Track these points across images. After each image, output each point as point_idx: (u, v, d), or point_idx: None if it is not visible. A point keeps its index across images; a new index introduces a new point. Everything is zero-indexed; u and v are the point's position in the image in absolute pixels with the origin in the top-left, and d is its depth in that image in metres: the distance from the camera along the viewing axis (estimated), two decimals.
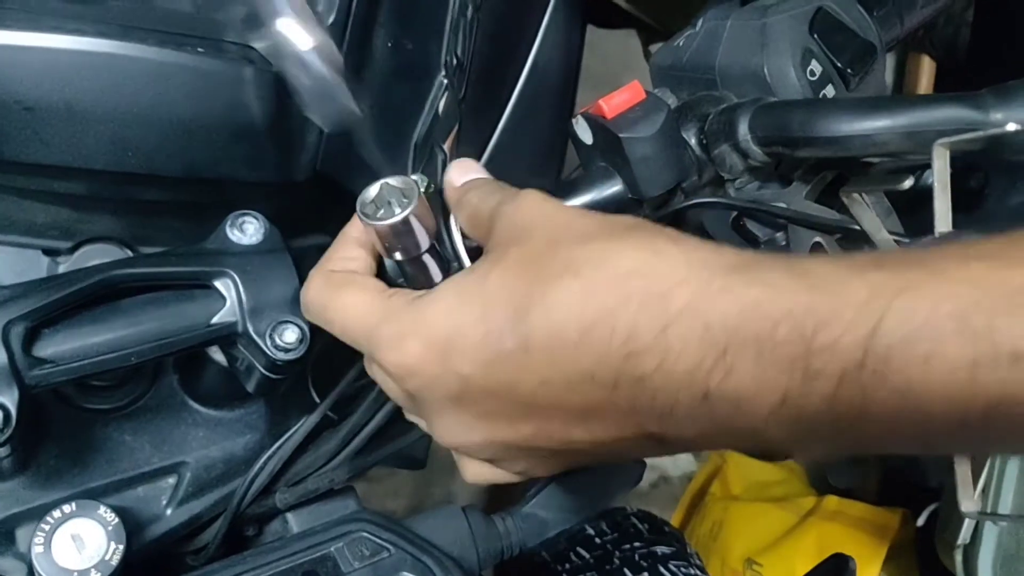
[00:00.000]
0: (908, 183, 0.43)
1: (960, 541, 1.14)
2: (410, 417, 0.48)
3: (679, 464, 1.72)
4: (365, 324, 0.44)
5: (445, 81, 0.62)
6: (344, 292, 0.46)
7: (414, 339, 0.41)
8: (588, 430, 0.39)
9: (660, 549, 0.91)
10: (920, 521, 1.30)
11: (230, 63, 0.52)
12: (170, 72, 0.51)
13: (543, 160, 0.71)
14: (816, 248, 0.48)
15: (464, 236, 0.49)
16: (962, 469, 0.39)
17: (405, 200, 0.45)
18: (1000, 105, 0.42)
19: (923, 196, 0.44)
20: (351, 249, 0.49)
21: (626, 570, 0.90)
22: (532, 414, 0.40)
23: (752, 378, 0.34)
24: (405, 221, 0.46)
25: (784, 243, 0.50)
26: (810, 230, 0.48)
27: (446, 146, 0.65)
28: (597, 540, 0.93)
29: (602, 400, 0.38)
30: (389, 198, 0.46)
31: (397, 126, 0.62)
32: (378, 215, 0.45)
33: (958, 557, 1.16)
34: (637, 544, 0.91)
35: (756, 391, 0.34)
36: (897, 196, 0.48)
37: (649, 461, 1.96)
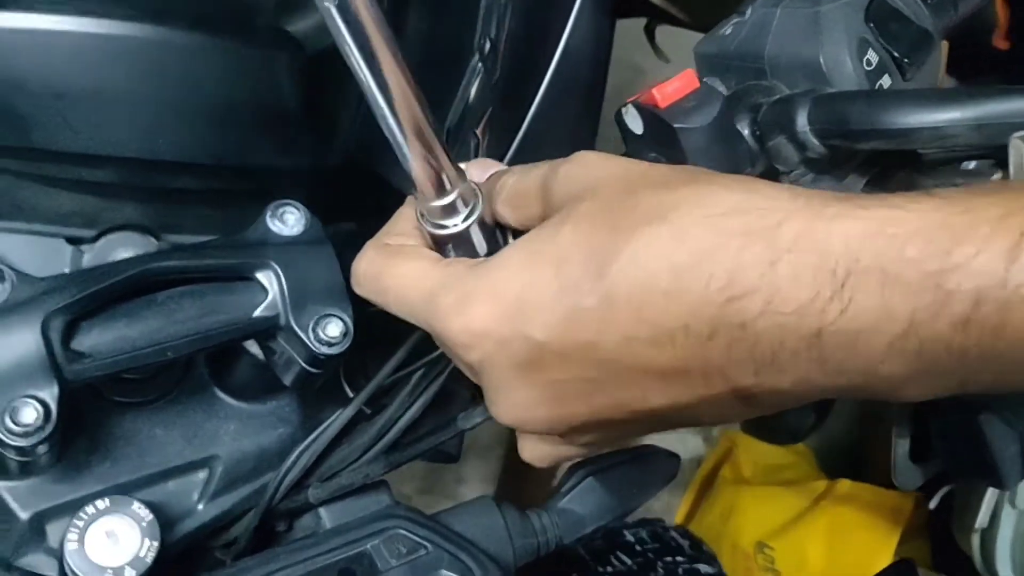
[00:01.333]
0: (997, 176, 0.42)
1: (978, 525, 1.13)
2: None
3: (688, 448, 1.72)
4: (424, 290, 0.41)
5: (480, 66, 0.61)
6: (400, 260, 0.44)
7: (479, 301, 0.38)
8: (669, 393, 0.36)
9: (703, 568, 0.91)
10: (933, 504, 1.29)
11: (263, 47, 0.51)
12: (201, 57, 0.50)
13: (576, 145, 0.69)
14: None
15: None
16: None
17: (465, 208, 0.43)
18: None
19: None
20: (407, 224, 0.46)
21: None
22: (609, 381, 0.37)
23: (874, 307, 0.31)
24: (465, 232, 0.43)
25: None
26: None
27: (478, 130, 0.64)
28: (638, 548, 0.93)
29: (692, 355, 0.35)
30: None
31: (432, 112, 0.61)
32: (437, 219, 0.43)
33: (975, 540, 1.16)
34: (680, 559, 0.91)
35: (877, 321, 0.32)
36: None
37: (659, 445, 1.93)
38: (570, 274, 0.36)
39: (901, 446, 0.76)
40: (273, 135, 0.53)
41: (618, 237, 0.35)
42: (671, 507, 1.65)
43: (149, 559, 0.50)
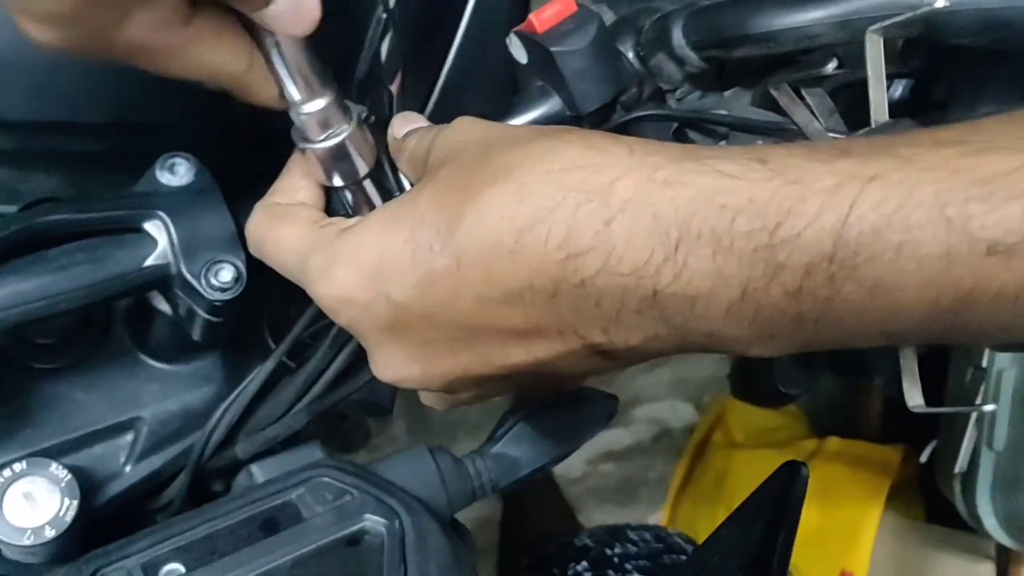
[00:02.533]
0: (831, 66, 0.41)
1: (958, 469, 1.13)
2: None
3: (680, 416, 1.71)
4: (296, 256, 0.43)
5: (384, 16, 0.61)
6: (279, 225, 0.45)
7: (342, 266, 0.39)
8: (529, 350, 0.37)
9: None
10: (923, 457, 1.29)
11: None
12: None
13: (497, 93, 0.69)
14: None
15: None
16: (908, 364, 0.37)
17: (342, 121, 0.44)
18: None
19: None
20: (297, 180, 0.48)
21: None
22: (471, 338, 0.38)
23: (708, 274, 0.32)
24: (341, 145, 0.44)
25: None
26: (751, 135, 0.46)
27: (393, 86, 0.64)
28: (642, 544, 0.94)
29: (542, 313, 0.35)
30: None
31: (336, 64, 0.61)
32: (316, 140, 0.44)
33: (956, 486, 1.15)
34: (684, 557, 0.92)
35: (712, 287, 0.32)
36: (840, 96, 0.46)
37: (650, 415, 1.94)
38: (423, 236, 0.37)
39: None
40: (169, 90, 0.53)
41: (466, 198, 0.36)
42: (665, 477, 1.64)
43: (69, 518, 0.51)
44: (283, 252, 0.44)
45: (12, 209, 0.59)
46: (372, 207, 0.48)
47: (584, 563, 0.92)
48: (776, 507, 0.40)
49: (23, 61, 0.49)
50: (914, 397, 0.37)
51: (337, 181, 0.46)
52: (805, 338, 0.33)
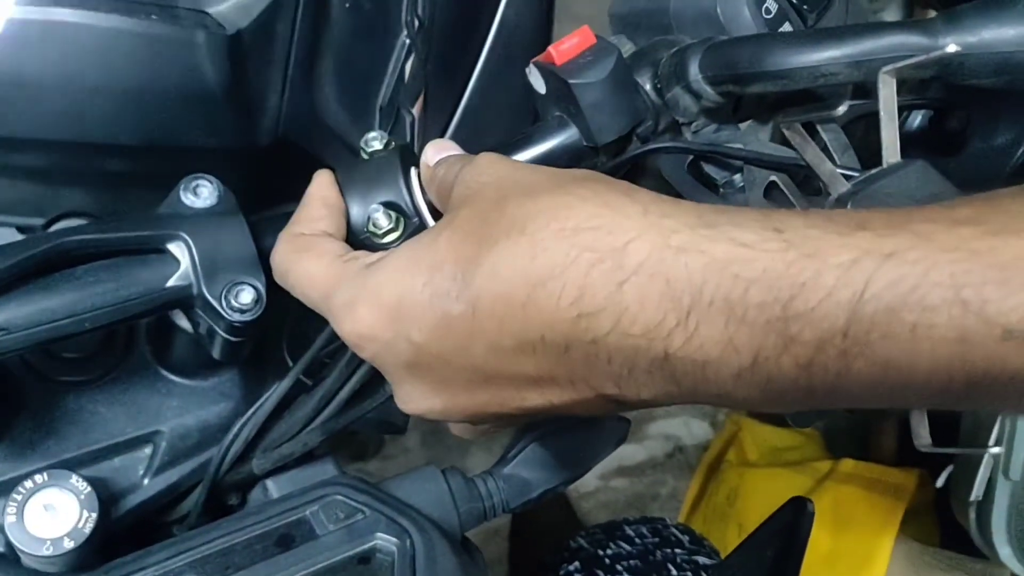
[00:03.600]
0: (843, 107, 0.42)
1: (973, 497, 1.12)
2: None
3: (694, 433, 1.71)
4: (321, 291, 0.44)
5: (407, 41, 0.62)
6: (303, 257, 0.46)
7: (365, 305, 0.40)
8: (542, 395, 0.38)
9: (701, 559, 0.92)
10: (939, 482, 1.28)
11: (181, 28, 0.52)
12: (120, 39, 0.51)
13: (517, 120, 0.70)
14: (772, 187, 0.47)
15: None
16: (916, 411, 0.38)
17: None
18: (950, 30, 0.40)
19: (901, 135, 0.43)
20: (317, 208, 0.49)
21: (670, 566, 0.91)
22: (486, 380, 0.38)
23: (719, 341, 0.32)
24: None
25: (741, 185, 0.49)
26: (765, 170, 0.47)
27: (414, 109, 0.65)
28: (637, 540, 0.95)
29: (554, 364, 0.36)
30: None
31: (360, 88, 0.62)
32: None
33: (972, 513, 1.15)
34: (679, 551, 0.93)
35: (722, 354, 0.32)
36: (856, 134, 0.47)
37: (664, 431, 1.94)
38: (441, 282, 0.37)
39: None
40: (197, 116, 0.54)
41: (482, 248, 0.36)
42: (677, 492, 1.64)
43: (88, 529, 0.52)
44: (308, 285, 0.45)
45: (37, 222, 0.60)
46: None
47: (576, 563, 0.93)
48: (783, 541, 0.40)
49: (60, 82, 0.51)
50: (922, 436, 0.37)
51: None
52: (814, 404, 0.33)
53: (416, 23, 0.62)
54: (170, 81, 0.53)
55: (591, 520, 1.59)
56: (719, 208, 0.34)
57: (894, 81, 0.39)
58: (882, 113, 0.38)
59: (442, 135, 0.68)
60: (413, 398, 0.42)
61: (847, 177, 0.41)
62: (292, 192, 0.58)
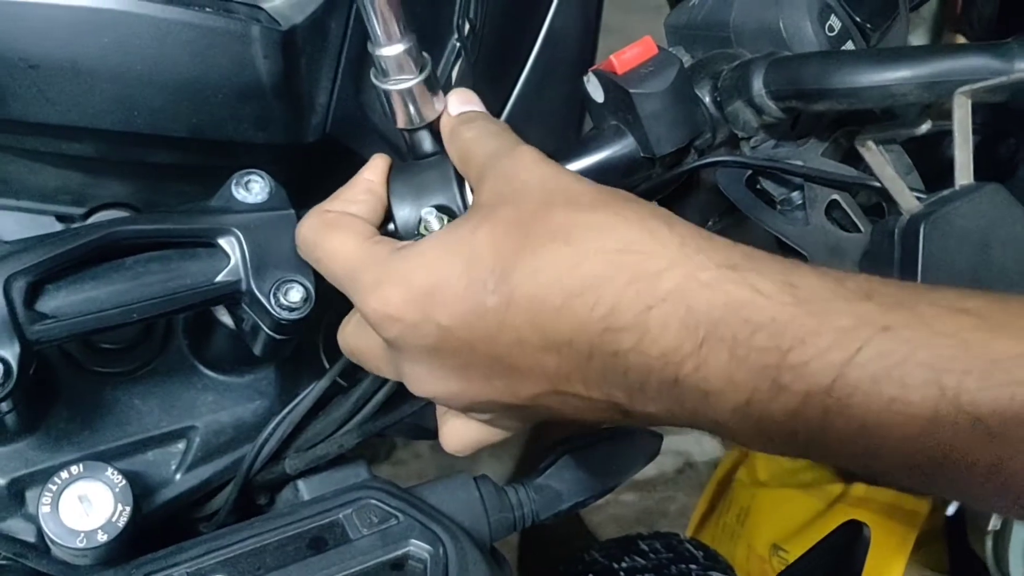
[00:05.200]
0: (926, 127, 0.41)
1: (991, 527, 1.12)
2: (386, 376, 0.47)
3: (705, 450, 1.70)
4: (348, 267, 0.44)
5: (458, 45, 0.61)
6: (332, 233, 0.46)
7: (395, 286, 0.41)
8: (556, 391, 0.40)
9: (715, 575, 0.92)
10: (950, 510, 1.27)
11: (236, 21, 0.52)
12: (175, 30, 0.51)
13: (560, 127, 0.70)
14: (833, 206, 0.47)
15: None
16: None
17: (415, 68, 0.47)
18: None
19: (946, 158, 0.43)
20: (359, 192, 0.49)
21: None
22: (506, 370, 0.40)
23: (722, 375, 0.35)
24: (409, 90, 0.47)
25: (800, 202, 0.48)
26: (827, 188, 0.46)
27: None
28: (651, 555, 0.95)
29: (575, 367, 0.38)
30: None
31: None
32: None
33: (988, 543, 1.14)
34: (693, 566, 0.93)
35: (723, 388, 0.35)
36: (920, 157, 0.46)
37: (675, 447, 1.93)
38: (478, 272, 0.39)
39: None
40: (247, 110, 0.54)
41: (525, 248, 0.38)
42: (687, 509, 1.63)
43: (121, 523, 0.51)
44: (334, 261, 0.45)
45: (76, 211, 0.60)
46: (419, 156, 0.50)
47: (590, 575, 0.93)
48: (836, 564, 0.40)
49: (111, 72, 0.50)
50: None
51: (400, 123, 0.48)
52: (798, 452, 0.36)
53: (467, 26, 0.62)
54: (222, 74, 0.53)
55: (600, 533, 1.58)
56: (747, 252, 0.37)
57: (969, 103, 0.39)
58: (956, 134, 0.38)
59: None
60: (427, 380, 0.43)
61: (919, 199, 0.41)
62: (334, 190, 0.58)
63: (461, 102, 0.48)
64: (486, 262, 0.39)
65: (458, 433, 0.46)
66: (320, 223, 0.46)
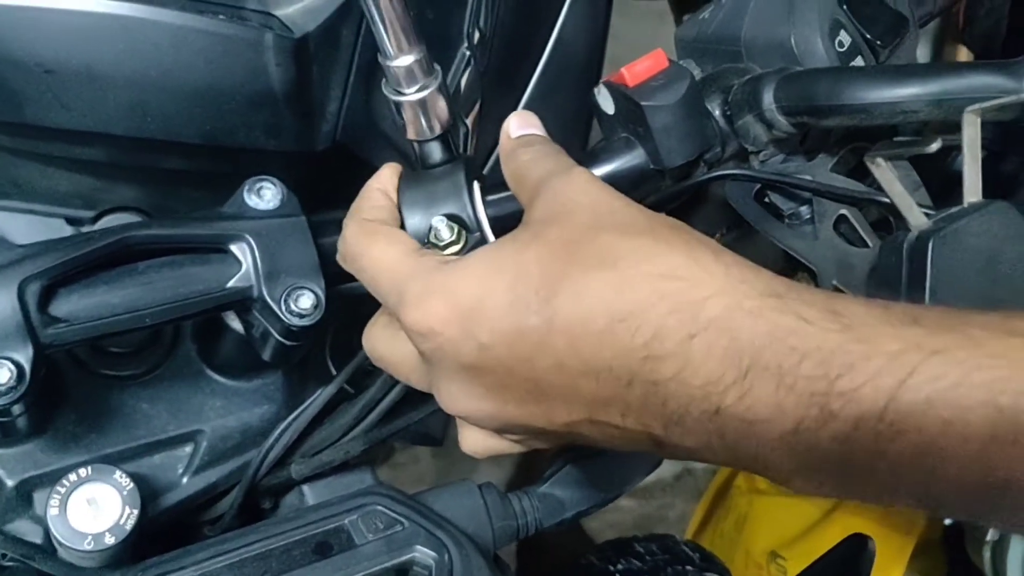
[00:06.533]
0: (936, 145, 0.42)
1: (989, 538, 1.12)
2: (416, 386, 0.47)
3: None
4: (394, 278, 0.44)
5: (468, 53, 0.62)
6: (376, 242, 0.46)
7: (439, 299, 0.41)
8: (591, 418, 0.39)
9: None
10: (948, 519, 1.28)
11: (250, 29, 0.52)
12: (189, 37, 0.51)
13: (568, 136, 0.70)
14: (841, 221, 0.47)
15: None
16: None
17: (424, 78, 0.47)
18: None
19: (952, 173, 0.43)
20: (378, 198, 0.49)
21: None
22: (542, 394, 0.39)
23: (768, 403, 0.34)
24: (422, 100, 0.47)
25: (808, 216, 0.49)
26: (835, 203, 0.47)
27: (469, 120, 0.65)
28: (647, 557, 0.95)
29: (613, 394, 0.38)
30: None
31: None
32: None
33: (987, 554, 1.14)
34: (689, 568, 0.93)
35: (770, 416, 0.34)
36: (926, 172, 0.47)
37: None
38: (523, 292, 0.39)
39: None
40: (259, 117, 0.54)
41: (571, 271, 0.38)
42: (686, 515, 1.64)
43: (129, 526, 0.51)
44: (380, 271, 0.45)
45: (86, 215, 0.60)
46: (429, 165, 0.50)
47: None
48: None
49: (125, 78, 0.51)
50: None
51: (411, 134, 0.48)
52: (842, 484, 0.36)
53: (477, 35, 0.62)
54: (234, 81, 0.53)
55: (598, 539, 1.58)
56: (789, 282, 0.36)
57: (979, 120, 0.39)
58: (966, 152, 0.39)
59: (495, 146, 0.68)
60: (460, 398, 0.42)
61: (928, 215, 0.41)
62: (343, 198, 0.58)
63: (521, 125, 0.48)
64: (532, 282, 0.38)
65: (477, 439, 0.45)
66: (362, 232, 0.46)
